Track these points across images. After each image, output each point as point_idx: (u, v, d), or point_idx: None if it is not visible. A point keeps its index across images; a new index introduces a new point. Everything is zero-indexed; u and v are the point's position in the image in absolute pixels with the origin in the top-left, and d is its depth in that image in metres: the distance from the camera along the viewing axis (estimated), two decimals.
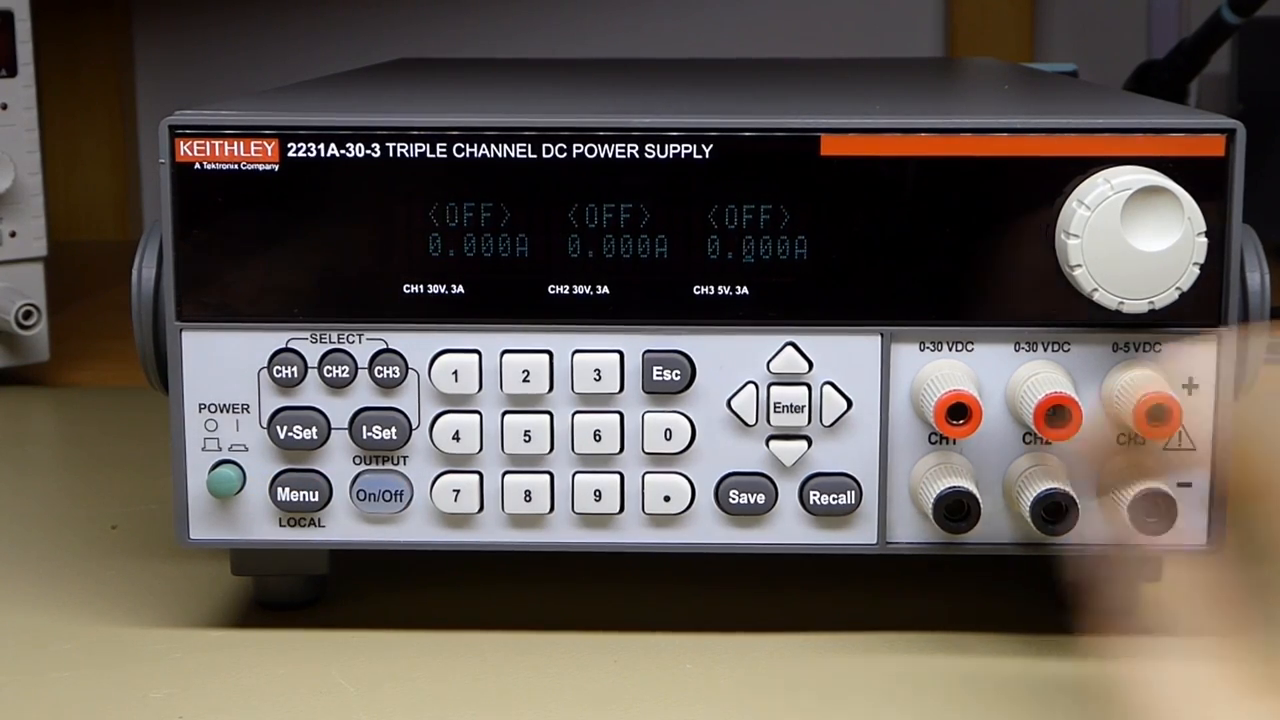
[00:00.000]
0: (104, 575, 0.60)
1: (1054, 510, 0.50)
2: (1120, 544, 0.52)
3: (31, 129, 0.87)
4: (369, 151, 0.51)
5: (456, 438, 0.53)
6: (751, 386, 0.52)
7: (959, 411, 0.50)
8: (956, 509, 0.51)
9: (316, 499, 0.53)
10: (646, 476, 0.53)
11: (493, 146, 0.51)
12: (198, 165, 0.52)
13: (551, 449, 0.53)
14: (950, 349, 0.52)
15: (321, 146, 0.51)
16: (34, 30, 0.87)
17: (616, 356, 0.52)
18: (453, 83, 0.72)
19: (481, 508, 0.53)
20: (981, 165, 0.51)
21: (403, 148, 0.51)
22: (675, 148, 0.51)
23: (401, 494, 0.53)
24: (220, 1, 1.37)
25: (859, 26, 1.36)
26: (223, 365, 0.53)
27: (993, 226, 0.51)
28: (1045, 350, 0.52)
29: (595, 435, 0.52)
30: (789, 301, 0.52)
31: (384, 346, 0.53)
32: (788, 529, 0.53)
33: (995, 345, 0.52)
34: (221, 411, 0.53)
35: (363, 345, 0.53)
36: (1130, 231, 0.49)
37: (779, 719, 0.49)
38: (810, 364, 0.52)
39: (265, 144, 0.52)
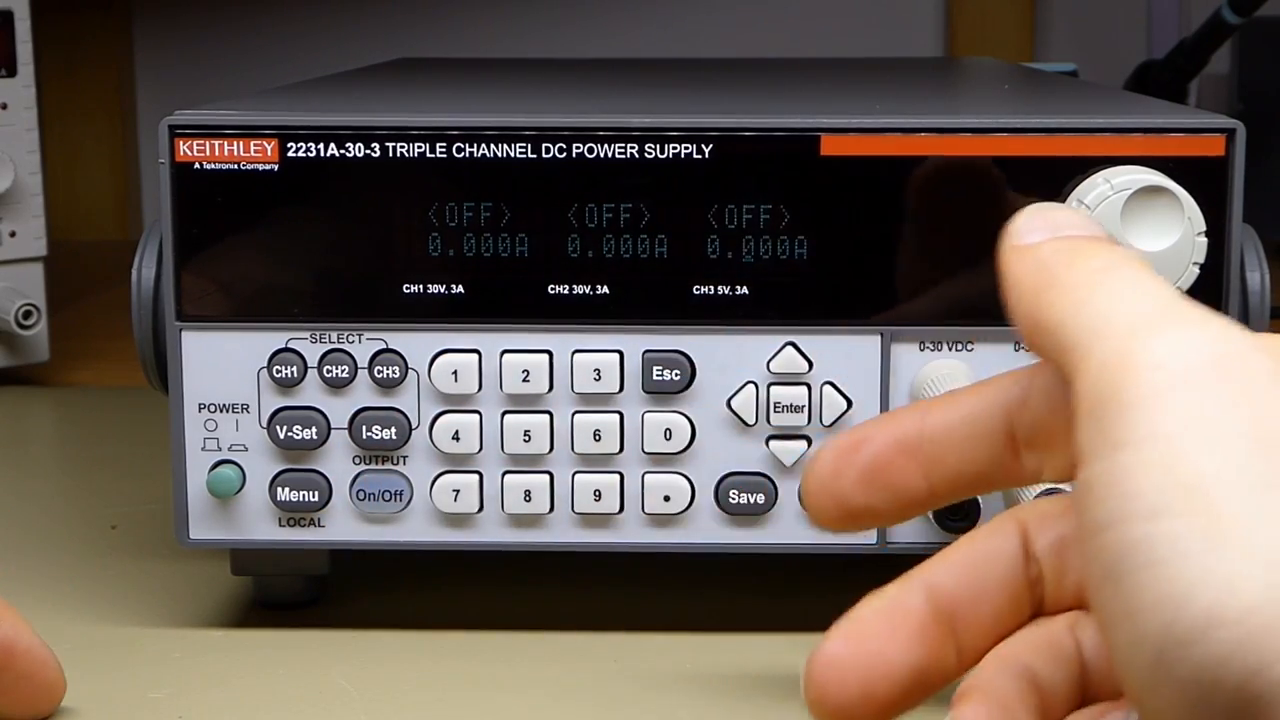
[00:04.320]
0: (104, 575, 0.60)
1: None
2: None
3: (31, 129, 0.87)
4: (369, 151, 0.51)
5: (456, 438, 0.53)
6: (751, 386, 0.52)
7: None
8: (956, 509, 0.51)
9: (316, 499, 0.53)
10: (646, 476, 0.53)
11: (492, 146, 0.51)
12: (198, 165, 0.52)
13: (551, 449, 0.53)
14: (950, 349, 0.52)
15: (321, 146, 0.51)
16: (34, 30, 0.87)
17: (616, 356, 0.52)
18: (453, 83, 0.72)
19: (481, 508, 0.53)
20: (981, 165, 0.51)
21: (402, 148, 0.51)
22: (675, 148, 0.51)
23: (401, 494, 0.53)
24: (220, 1, 1.37)
25: (859, 26, 1.36)
26: (223, 365, 0.53)
27: (993, 226, 0.51)
28: None
29: (595, 435, 0.52)
30: (789, 301, 0.52)
31: (384, 346, 0.52)
32: (788, 529, 0.53)
33: (995, 345, 0.52)
34: (221, 411, 0.53)
35: (363, 345, 0.53)
36: (1130, 231, 0.49)
37: (780, 718, 0.49)
38: (810, 364, 0.52)
39: (265, 144, 0.51)
